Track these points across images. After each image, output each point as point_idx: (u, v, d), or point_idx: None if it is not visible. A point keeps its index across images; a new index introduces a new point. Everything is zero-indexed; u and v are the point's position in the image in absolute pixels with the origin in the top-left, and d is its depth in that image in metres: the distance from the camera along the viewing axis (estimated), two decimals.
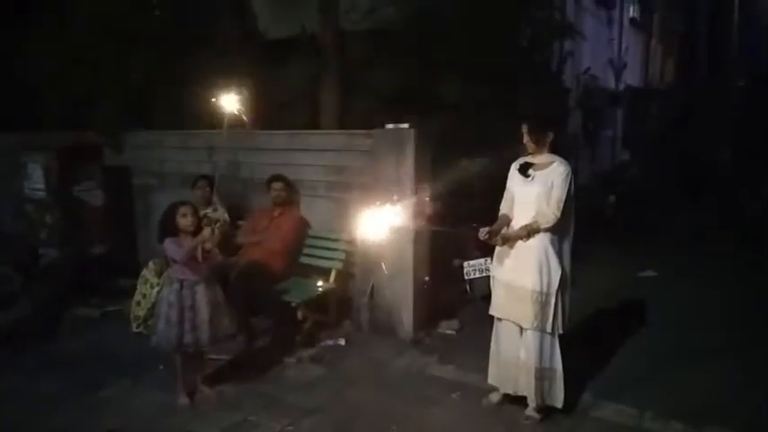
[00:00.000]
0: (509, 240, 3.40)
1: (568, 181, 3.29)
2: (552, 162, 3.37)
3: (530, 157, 3.46)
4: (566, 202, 3.28)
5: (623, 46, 13.05)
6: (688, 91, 15.75)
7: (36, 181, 5.88)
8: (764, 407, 3.59)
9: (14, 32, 7.61)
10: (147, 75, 6.94)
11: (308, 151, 5.33)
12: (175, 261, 3.62)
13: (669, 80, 17.07)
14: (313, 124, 6.73)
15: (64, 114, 7.40)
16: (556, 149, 3.45)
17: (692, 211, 9.84)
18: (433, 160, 4.79)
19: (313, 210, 5.32)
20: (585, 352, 3.48)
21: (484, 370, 3.93)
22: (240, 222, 5.45)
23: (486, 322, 4.49)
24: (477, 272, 4.16)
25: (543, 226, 3.30)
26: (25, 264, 6.13)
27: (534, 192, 3.34)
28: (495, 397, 3.67)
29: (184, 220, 3.60)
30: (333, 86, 6.77)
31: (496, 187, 3.73)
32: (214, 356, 4.14)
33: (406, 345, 4.64)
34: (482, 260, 4.14)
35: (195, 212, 3.68)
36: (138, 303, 4.90)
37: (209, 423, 3.50)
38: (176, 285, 3.63)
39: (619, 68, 12.90)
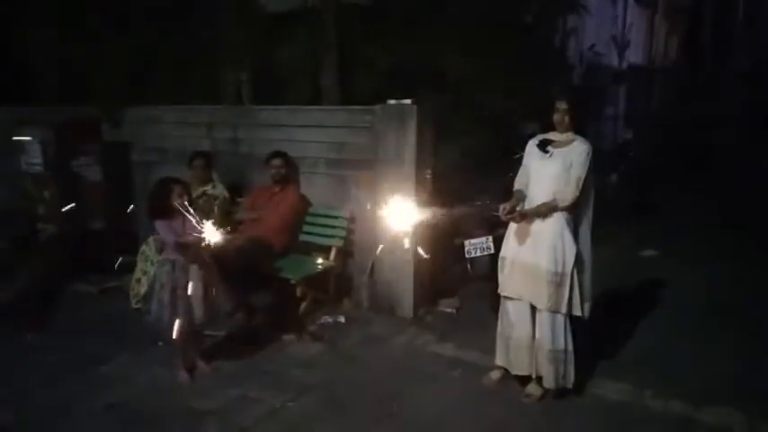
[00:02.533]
0: (527, 217, 3.35)
1: (589, 160, 3.23)
2: (573, 140, 3.30)
3: (550, 134, 3.40)
4: (585, 181, 3.23)
5: (627, 23, 12.85)
6: (692, 69, 15.57)
7: (33, 156, 5.80)
8: (766, 389, 3.59)
9: (10, 5, 7.49)
10: (145, 48, 6.85)
11: (308, 127, 5.26)
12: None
13: (673, 58, 16.87)
14: (314, 100, 6.65)
15: (62, 88, 7.32)
16: (582, 129, 3.38)
17: (696, 189, 9.80)
18: (434, 136, 4.73)
19: (313, 187, 5.27)
20: (585, 330, 3.48)
21: (484, 348, 3.94)
22: (239, 199, 5.41)
23: (487, 301, 4.50)
24: (479, 250, 4.11)
25: (561, 204, 3.25)
26: (23, 239, 6.10)
27: (553, 169, 3.29)
28: (495, 375, 3.67)
29: (178, 201, 3.52)
30: (333, 62, 6.68)
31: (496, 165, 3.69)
32: (213, 333, 4.14)
33: (405, 322, 4.64)
34: (483, 239, 4.09)
35: (187, 190, 3.62)
36: (139, 280, 4.88)
37: (209, 398, 3.50)
38: (168, 266, 3.60)
39: (622, 46, 12.73)
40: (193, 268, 3.59)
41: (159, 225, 3.56)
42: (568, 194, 3.23)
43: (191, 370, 3.78)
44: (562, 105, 3.34)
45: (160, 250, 4.55)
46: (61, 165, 5.71)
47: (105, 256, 5.63)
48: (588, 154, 3.25)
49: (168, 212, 3.53)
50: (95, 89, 6.65)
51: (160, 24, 6.95)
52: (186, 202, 3.52)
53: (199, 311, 3.59)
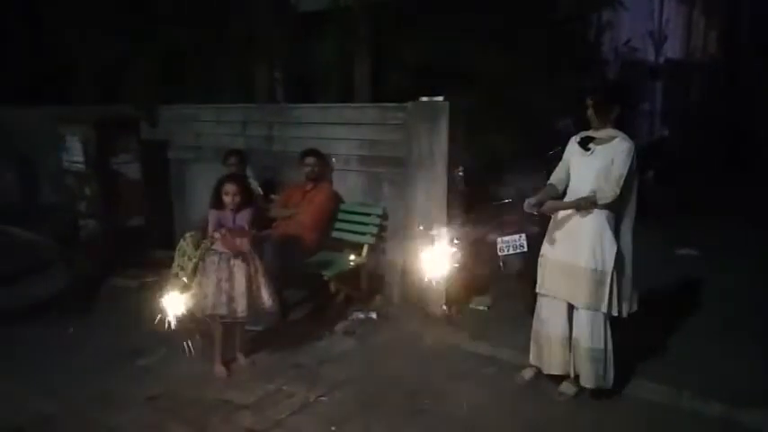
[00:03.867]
0: (558, 209, 3.33)
1: (631, 158, 3.18)
2: (615, 137, 3.25)
3: (591, 131, 3.36)
4: (627, 180, 3.18)
5: (664, 17, 12.59)
6: (731, 63, 15.15)
7: (75, 154, 5.98)
8: None
9: (50, 6, 7.73)
10: (181, 48, 6.99)
11: (340, 125, 5.30)
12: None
13: (712, 52, 16.45)
14: (345, 98, 6.70)
15: (100, 88, 7.53)
16: (621, 125, 3.33)
17: (734, 187, 9.53)
18: (466, 133, 4.71)
19: (345, 184, 5.31)
20: (623, 329, 3.44)
21: (516, 346, 3.92)
22: (273, 196, 5.48)
23: (520, 299, 4.48)
24: (512, 248, 4.09)
25: (601, 202, 3.21)
26: (66, 235, 6.30)
27: (594, 166, 3.25)
28: (528, 373, 3.65)
29: (226, 198, 3.66)
30: (365, 59, 6.71)
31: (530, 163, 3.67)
32: (251, 328, 4.21)
33: (437, 320, 4.64)
34: (516, 236, 4.06)
35: (241, 190, 3.71)
36: (176, 275, 4.97)
37: (245, 392, 3.57)
38: (214, 257, 3.70)
39: (659, 41, 12.46)
40: (238, 261, 3.67)
41: (210, 215, 3.70)
42: (608, 192, 3.18)
43: (227, 363, 3.86)
44: (589, 101, 3.31)
45: (197, 246, 4.65)
46: (101, 163, 5.88)
47: (143, 252, 5.81)
48: (631, 151, 3.20)
49: (221, 205, 3.67)
50: (133, 89, 6.81)
51: (195, 24, 7.08)
52: (237, 201, 3.65)
53: (241, 305, 3.66)
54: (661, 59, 12.70)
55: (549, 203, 3.34)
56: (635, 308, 3.39)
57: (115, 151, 5.93)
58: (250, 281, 3.71)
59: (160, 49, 6.82)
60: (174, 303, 3.52)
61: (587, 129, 3.40)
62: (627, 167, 3.18)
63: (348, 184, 5.30)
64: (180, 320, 3.82)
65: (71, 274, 5.67)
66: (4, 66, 8.39)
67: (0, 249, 6.20)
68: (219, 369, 3.81)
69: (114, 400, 3.49)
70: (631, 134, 3.32)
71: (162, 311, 3.49)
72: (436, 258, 4.36)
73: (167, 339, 4.20)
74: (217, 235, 3.65)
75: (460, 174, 4.67)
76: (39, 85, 7.32)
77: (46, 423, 3.26)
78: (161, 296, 3.65)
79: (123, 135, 6.02)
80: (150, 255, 5.77)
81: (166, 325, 3.65)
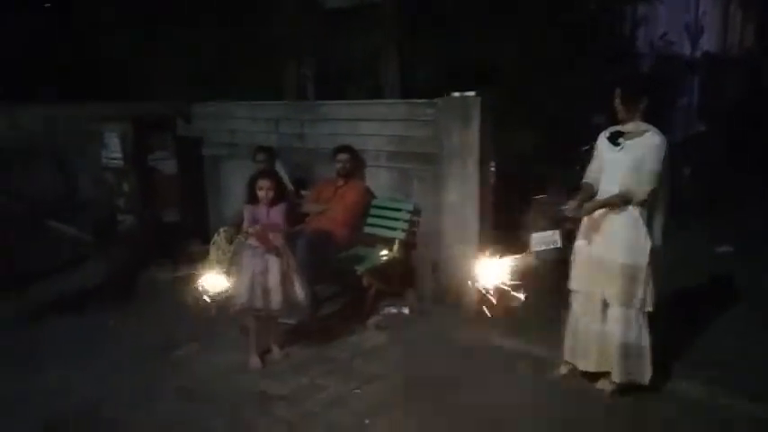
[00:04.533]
0: (592, 210, 3.30)
1: (663, 153, 3.12)
2: (646, 131, 3.19)
3: (620, 125, 3.31)
4: (659, 174, 3.13)
5: (701, 10, 12.30)
6: None
7: (113, 150, 6.14)
8: None
9: (88, 5, 7.93)
10: (214, 47, 7.12)
11: (370, 121, 5.32)
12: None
13: (748, 46, 16.01)
14: (375, 94, 6.73)
15: (136, 86, 7.71)
16: (652, 119, 3.27)
17: None
18: (497, 129, 4.69)
19: (376, 179, 5.34)
20: (661, 327, 3.39)
21: (549, 343, 3.90)
22: (303, 192, 5.53)
23: (553, 296, 4.44)
24: (545, 244, 4.06)
25: (635, 199, 3.16)
26: (104, 229, 6.48)
27: (624, 162, 3.20)
28: (562, 370, 3.63)
29: (261, 193, 3.72)
30: (394, 55, 6.73)
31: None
32: (283, 321, 4.27)
33: (469, 315, 4.63)
34: (549, 232, 4.04)
35: (274, 186, 3.77)
36: (212, 269, 5.07)
37: (279, 384, 3.63)
38: (248, 252, 3.76)
39: (695, 34, 12.18)
40: (272, 256, 3.73)
41: (245, 209, 3.77)
42: (642, 189, 3.14)
43: (262, 356, 3.93)
44: (616, 93, 3.26)
45: (231, 240, 4.74)
46: (139, 159, 6.03)
47: (179, 246, 5.93)
48: (662, 146, 3.14)
49: (256, 201, 3.75)
50: (169, 87, 6.95)
51: (227, 23, 7.20)
52: (271, 196, 3.71)
53: (276, 298, 3.72)
54: (698, 53, 12.42)
55: (586, 206, 3.29)
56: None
57: (152, 148, 6.08)
58: (284, 275, 3.76)
59: (194, 49, 6.94)
60: (210, 296, 3.63)
61: (617, 123, 3.36)
62: (659, 163, 3.12)
63: (379, 181, 5.32)
64: (215, 313, 3.91)
65: (110, 267, 5.84)
66: (46, 66, 8.65)
67: (42, 244, 6.39)
68: (254, 361, 3.88)
69: (154, 389, 3.59)
70: (667, 130, 3.26)
71: (198, 304, 3.57)
72: (467, 254, 4.36)
73: (203, 331, 4.32)
74: (251, 230, 3.72)
75: (492, 169, 4.65)
76: (79, 84, 7.52)
77: (91, 410, 3.36)
78: (197, 290, 3.75)
79: (159, 132, 6.17)
80: (186, 249, 5.89)
81: (203, 317, 3.74)
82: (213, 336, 4.27)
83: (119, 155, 6.07)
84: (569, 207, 3.29)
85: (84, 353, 4.10)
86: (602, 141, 3.38)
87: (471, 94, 4.53)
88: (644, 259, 3.18)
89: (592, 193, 3.37)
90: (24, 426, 3.22)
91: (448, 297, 4.73)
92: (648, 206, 3.23)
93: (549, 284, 4.78)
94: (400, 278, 5.07)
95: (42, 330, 4.49)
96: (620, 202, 3.20)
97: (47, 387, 3.63)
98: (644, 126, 3.23)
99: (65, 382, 3.67)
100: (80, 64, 8.28)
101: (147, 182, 6.05)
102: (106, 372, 3.83)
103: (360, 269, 4.72)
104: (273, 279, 3.71)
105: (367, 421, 3.22)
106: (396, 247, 4.95)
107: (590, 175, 3.44)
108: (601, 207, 3.29)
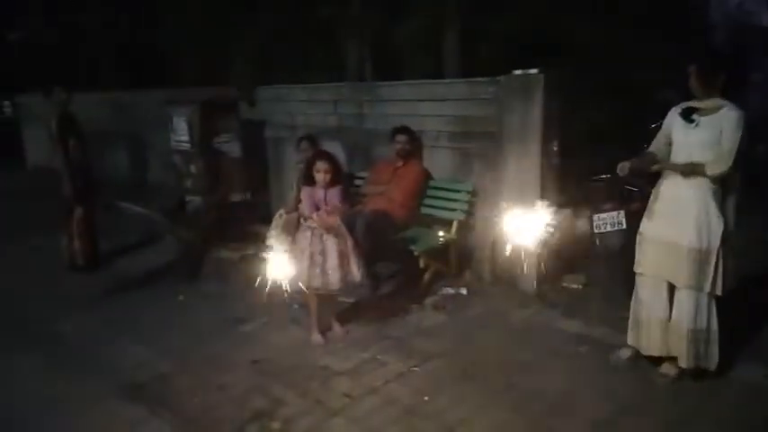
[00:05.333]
0: (664, 169, 3.21)
1: (741, 128, 2.99)
2: (721, 107, 3.06)
3: (694, 101, 3.19)
4: (737, 152, 2.99)
5: None
6: None
7: (181, 134, 6.39)
8: None
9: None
10: (275, 32, 7.25)
11: (429, 101, 5.31)
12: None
13: None
14: (433, 74, 6.69)
15: (201, 72, 7.97)
16: (727, 94, 3.13)
17: None
18: (561, 107, 4.58)
19: (435, 160, 5.33)
20: (732, 311, 3.27)
21: (612, 326, 3.84)
22: (360, 174, 5.57)
23: (616, 278, 4.35)
24: (609, 225, 3.97)
25: (710, 172, 3.04)
26: (173, 210, 6.78)
27: (699, 139, 3.08)
28: (625, 353, 3.55)
29: (318, 176, 3.79)
30: (454, 33, 6.66)
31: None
32: (343, 299, 4.37)
33: (528, 297, 4.61)
34: (614, 213, 3.94)
35: (332, 168, 3.82)
36: (273, 249, 5.22)
37: (341, 359, 3.74)
38: (307, 232, 3.86)
39: None
40: (330, 236, 3.81)
41: (303, 191, 3.85)
42: (721, 165, 3.01)
43: (323, 332, 4.05)
44: (692, 69, 3.12)
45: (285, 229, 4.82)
46: (205, 142, 6.25)
47: (244, 226, 6.15)
48: (740, 121, 3.00)
49: (313, 182, 3.82)
50: (234, 72, 7.15)
51: (286, 7, 7.30)
52: (329, 178, 3.77)
53: (335, 277, 3.82)
54: None
55: (655, 167, 3.20)
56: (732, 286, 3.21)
57: (218, 131, 6.28)
58: (341, 255, 3.85)
59: (258, 35, 7.09)
60: (273, 275, 3.74)
61: (689, 100, 3.22)
62: (738, 140, 2.99)
63: (438, 161, 5.32)
64: (278, 291, 4.04)
65: (178, 247, 6.12)
66: (119, 55, 9.06)
67: (115, 224, 6.76)
68: (316, 337, 4.00)
69: (222, 362, 3.77)
70: (740, 107, 3.11)
71: (262, 282, 3.70)
72: (528, 235, 4.32)
73: (268, 308, 4.47)
74: (315, 217, 3.78)
75: (555, 148, 4.56)
76: (150, 72, 7.86)
77: (163, 380, 3.57)
78: (260, 268, 3.86)
79: (225, 115, 6.36)
80: (250, 229, 6.09)
81: (266, 294, 3.87)
82: (277, 313, 4.42)
83: (186, 138, 6.32)
84: (621, 167, 3.21)
85: (157, 326, 4.34)
86: (674, 117, 3.25)
87: (534, 71, 4.44)
88: (716, 242, 3.07)
89: (653, 162, 3.27)
90: (105, 390, 3.46)
91: (506, 278, 4.70)
92: (722, 186, 3.10)
93: (612, 266, 4.69)
94: (458, 259, 5.09)
95: (120, 305, 4.78)
96: (693, 171, 3.08)
97: (125, 358, 3.88)
98: (720, 101, 3.09)
99: (140, 354, 3.91)
100: (148, 51, 8.63)
101: (213, 164, 6.26)
102: (179, 343, 4.04)
103: (417, 250, 4.76)
104: (332, 259, 3.80)
105: (426, 398, 3.28)
106: (454, 228, 4.96)
107: (655, 145, 3.34)
108: (673, 170, 3.17)
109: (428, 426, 3.03)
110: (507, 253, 4.13)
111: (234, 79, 7.11)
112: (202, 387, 3.47)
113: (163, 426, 3.12)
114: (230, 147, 6.33)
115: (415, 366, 3.62)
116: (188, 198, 6.52)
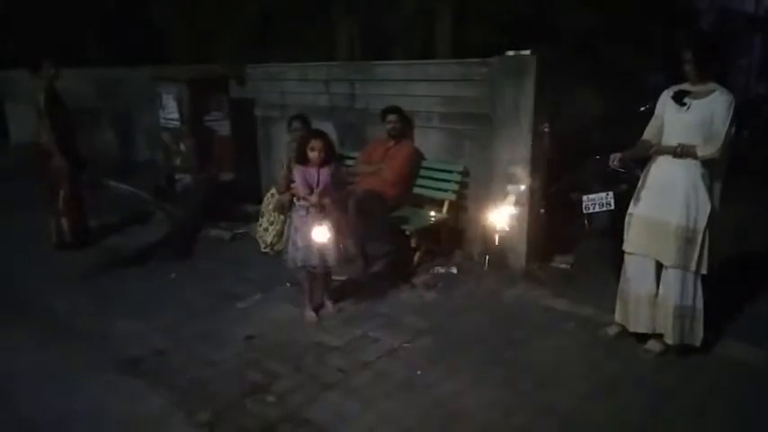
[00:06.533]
0: (658, 153, 3.28)
1: (732, 111, 3.07)
2: (713, 90, 3.14)
3: (686, 84, 3.25)
4: (728, 134, 3.07)
5: None
6: None
7: (170, 111, 6.33)
8: None
9: None
10: (265, 10, 7.17)
11: (422, 82, 5.32)
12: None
13: None
14: (425, 54, 6.68)
15: (191, 49, 7.87)
16: (719, 78, 3.20)
17: None
18: (553, 89, 4.63)
19: (427, 140, 5.36)
20: (716, 289, 3.38)
21: (599, 304, 3.93)
22: (349, 155, 5.58)
23: (604, 258, 4.45)
24: (598, 206, 4.05)
25: (701, 154, 3.11)
26: (163, 188, 6.74)
27: (690, 122, 3.16)
28: (612, 330, 3.66)
29: (312, 154, 3.79)
30: (446, 14, 6.64)
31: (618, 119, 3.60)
32: (337, 278, 4.42)
33: (517, 276, 4.69)
34: (603, 194, 4.03)
35: (326, 147, 3.81)
36: (266, 230, 5.25)
37: (334, 335, 3.79)
38: (302, 212, 3.89)
39: None
40: (323, 216, 3.84)
41: (296, 171, 3.85)
42: (711, 148, 3.09)
43: (316, 309, 4.10)
44: (688, 55, 3.17)
45: (278, 208, 4.84)
46: (195, 120, 6.20)
47: (234, 205, 6.14)
48: (731, 105, 3.08)
49: (306, 161, 3.81)
50: (224, 50, 7.07)
51: None
52: (323, 156, 3.76)
53: (329, 256, 3.86)
54: (761, 10, 11.74)
55: (650, 150, 3.28)
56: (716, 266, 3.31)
57: (207, 109, 6.23)
58: (336, 234, 3.88)
59: (248, 13, 7.01)
60: (264, 253, 3.78)
61: (678, 83, 3.28)
62: (729, 123, 3.06)
63: (430, 141, 5.35)
64: (270, 269, 4.08)
65: (168, 225, 6.10)
66: (106, 31, 8.90)
67: (103, 202, 6.70)
68: (310, 314, 4.05)
69: (217, 338, 3.81)
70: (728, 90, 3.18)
71: (253, 261, 3.71)
72: (518, 215, 4.39)
73: (261, 286, 4.52)
74: (312, 199, 3.79)
75: (546, 129, 4.62)
76: (138, 48, 7.74)
77: (159, 356, 3.60)
78: (251, 247, 3.89)
79: (214, 93, 6.30)
80: (240, 208, 6.09)
81: (257, 273, 3.91)
82: (271, 289, 4.46)
83: (175, 116, 6.26)
84: (613, 158, 3.27)
85: (151, 303, 4.36)
86: (666, 101, 3.32)
87: (527, 52, 4.47)
88: (703, 221, 3.16)
89: (647, 149, 3.33)
90: (101, 364, 3.48)
91: (496, 258, 4.78)
92: (711, 166, 3.18)
93: (601, 246, 4.79)
94: (449, 238, 5.15)
95: (111, 282, 4.78)
96: (687, 152, 3.15)
97: (119, 333, 3.90)
98: (712, 85, 3.16)
99: (134, 330, 3.93)
100: (136, 27, 8.49)
101: (202, 142, 6.22)
102: (173, 320, 4.06)
103: (409, 229, 4.81)
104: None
105: (419, 372, 3.35)
106: (445, 207, 5.02)
107: (648, 132, 3.40)
108: (665, 153, 3.24)
109: (420, 399, 3.11)
110: (497, 232, 4.23)
111: (224, 57, 7.03)
112: (198, 362, 3.51)
113: (161, 399, 3.15)
114: (220, 125, 6.30)
115: (406, 342, 3.69)
116: (177, 176, 6.48)
